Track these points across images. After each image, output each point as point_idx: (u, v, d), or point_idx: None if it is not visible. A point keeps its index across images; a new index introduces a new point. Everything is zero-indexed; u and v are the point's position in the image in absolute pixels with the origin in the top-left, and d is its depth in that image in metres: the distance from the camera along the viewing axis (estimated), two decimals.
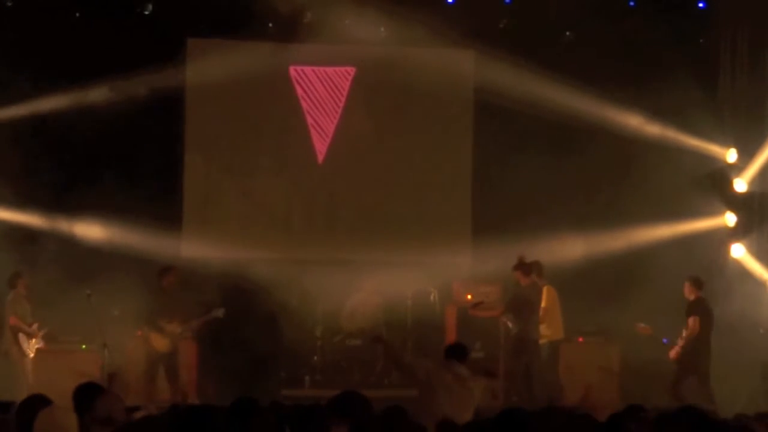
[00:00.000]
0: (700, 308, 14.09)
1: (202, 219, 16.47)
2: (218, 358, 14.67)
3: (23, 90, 15.09)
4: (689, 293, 14.20)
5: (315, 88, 16.83)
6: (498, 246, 15.23)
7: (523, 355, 14.14)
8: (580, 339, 15.32)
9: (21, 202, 15.16)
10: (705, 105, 15.73)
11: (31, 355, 13.89)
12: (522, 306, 14.11)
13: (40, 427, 6.03)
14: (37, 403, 6.80)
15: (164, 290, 14.26)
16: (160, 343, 14.14)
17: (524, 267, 14.15)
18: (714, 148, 16.09)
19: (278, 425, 6.53)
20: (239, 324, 14.90)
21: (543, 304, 14.46)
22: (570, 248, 15.48)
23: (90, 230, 15.41)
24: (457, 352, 10.59)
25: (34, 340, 13.91)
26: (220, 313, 14.38)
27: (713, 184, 16.20)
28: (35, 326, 13.94)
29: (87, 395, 7.04)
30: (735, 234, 16.11)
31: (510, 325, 14.30)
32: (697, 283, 14.22)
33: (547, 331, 14.52)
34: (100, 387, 7.49)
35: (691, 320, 13.99)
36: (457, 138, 16.94)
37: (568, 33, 16.48)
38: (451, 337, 14.66)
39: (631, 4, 16.36)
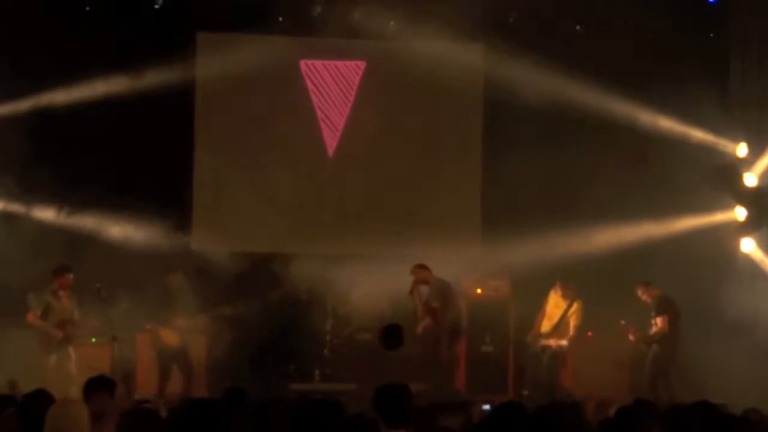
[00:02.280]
0: (667, 306, 14.20)
1: (211, 213, 16.47)
2: (227, 352, 14.68)
3: (32, 84, 15.12)
4: (648, 296, 14.31)
5: (325, 82, 16.83)
6: (507, 240, 15.23)
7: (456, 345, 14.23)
8: (590, 333, 15.31)
9: (28, 196, 15.17)
10: (715, 99, 15.67)
11: (59, 354, 13.49)
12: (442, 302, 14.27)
13: (52, 420, 6.04)
14: (40, 397, 6.81)
15: (172, 286, 14.29)
16: (170, 338, 14.16)
17: (426, 269, 14.31)
18: (724, 143, 16.05)
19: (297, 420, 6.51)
20: (249, 318, 14.92)
21: (574, 322, 14.52)
22: (579, 242, 15.46)
23: (98, 224, 15.42)
24: (387, 343, 10.65)
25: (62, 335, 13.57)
26: (227, 310, 14.49)
27: (723, 178, 16.15)
28: (66, 326, 13.55)
29: (86, 389, 7.11)
30: (745, 228, 16.08)
31: None
32: (648, 284, 14.35)
33: (560, 341, 14.56)
34: (110, 381, 7.52)
35: (660, 320, 14.14)
36: (466, 132, 16.93)
37: (578, 27, 16.44)
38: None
39: None
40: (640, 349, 14.57)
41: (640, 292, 14.54)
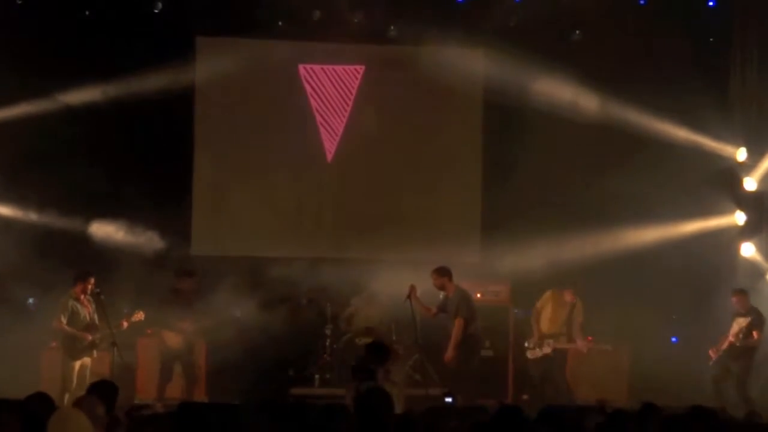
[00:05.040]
0: (763, 320, 14.15)
1: (211, 218, 16.48)
2: (227, 356, 14.66)
3: (32, 89, 15.11)
4: (742, 305, 14.17)
5: (324, 86, 16.83)
6: (507, 245, 15.23)
7: (476, 355, 14.11)
8: (589, 338, 15.29)
9: (25, 200, 15.15)
10: (715, 104, 15.70)
11: (82, 359, 13.42)
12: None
13: (54, 427, 6.01)
14: (41, 401, 6.80)
15: (180, 291, 14.28)
16: (173, 340, 14.14)
17: (444, 277, 13.99)
18: (724, 147, 16.06)
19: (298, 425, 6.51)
20: (248, 322, 14.90)
21: (579, 318, 14.44)
22: (579, 247, 15.45)
23: (99, 228, 15.41)
24: (374, 359, 10.69)
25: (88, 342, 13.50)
26: (236, 312, 14.48)
27: (723, 182, 16.18)
28: (93, 330, 13.42)
29: (87, 393, 7.13)
30: (745, 233, 16.09)
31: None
32: (745, 293, 14.31)
33: (564, 341, 14.49)
34: (112, 385, 7.53)
35: (756, 332, 14.02)
36: (466, 136, 16.94)
37: (577, 32, 16.42)
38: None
39: (642, 2, 16.32)
40: (720, 359, 14.31)
41: (735, 300, 14.34)
